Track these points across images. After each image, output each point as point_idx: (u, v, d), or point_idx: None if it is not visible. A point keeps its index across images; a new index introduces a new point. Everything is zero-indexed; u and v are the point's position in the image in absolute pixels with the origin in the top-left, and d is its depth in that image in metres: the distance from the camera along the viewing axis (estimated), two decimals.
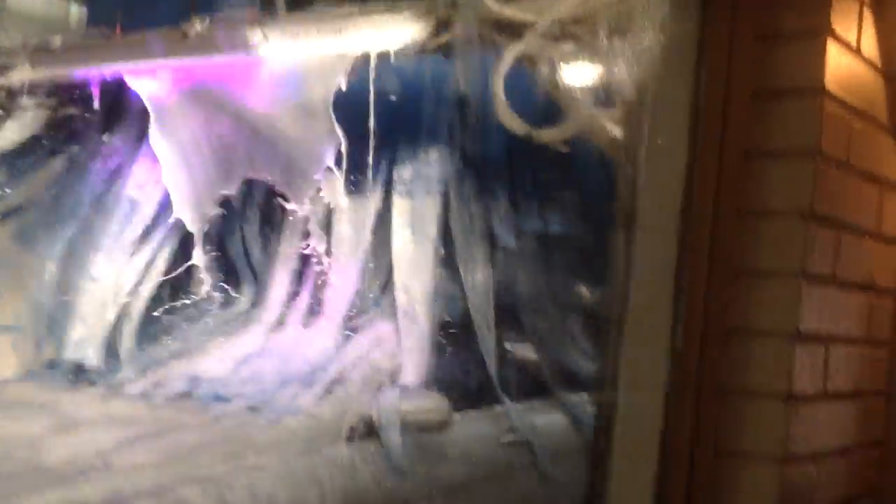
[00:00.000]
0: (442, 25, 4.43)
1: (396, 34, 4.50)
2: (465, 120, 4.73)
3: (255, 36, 4.53)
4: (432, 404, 4.05)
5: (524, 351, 4.80)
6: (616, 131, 4.23)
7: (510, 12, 4.26)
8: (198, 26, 4.68)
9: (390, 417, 3.81)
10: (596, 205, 4.98)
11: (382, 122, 4.58)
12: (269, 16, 4.75)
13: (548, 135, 4.22)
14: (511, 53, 4.19)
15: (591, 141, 4.29)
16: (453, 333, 4.61)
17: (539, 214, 5.02)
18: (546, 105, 4.52)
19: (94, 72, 5.14)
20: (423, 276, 4.62)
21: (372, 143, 4.54)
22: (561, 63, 4.25)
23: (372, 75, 4.56)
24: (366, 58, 4.56)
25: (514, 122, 4.22)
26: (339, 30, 4.59)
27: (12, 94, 5.88)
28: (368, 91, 4.58)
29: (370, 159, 4.66)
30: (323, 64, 4.66)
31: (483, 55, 4.59)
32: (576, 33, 4.19)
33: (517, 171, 4.96)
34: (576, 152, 4.32)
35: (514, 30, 4.26)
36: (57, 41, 5.16)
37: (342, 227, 4.82)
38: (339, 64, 4.62)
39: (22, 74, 5.56)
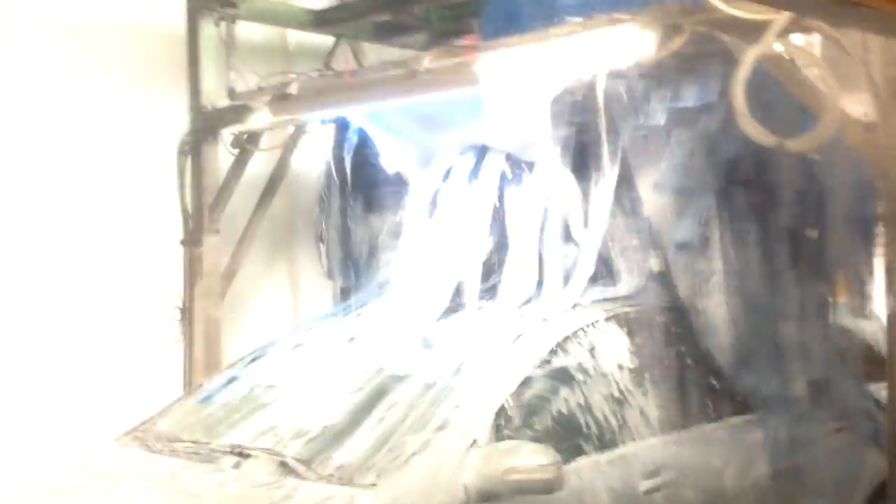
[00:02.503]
0: (671, 32, 4.24)
1: (623, 47, 4.34)
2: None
3: (481, 69, 4.47)
4: (542, 460, 3.48)
5: None
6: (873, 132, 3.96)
7: (743, 11, 4.01)
8: (426, 62, 4.68)
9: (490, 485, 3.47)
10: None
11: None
12: (488, 43, 4.71)
13: (798, 143, 3.98)
14: (750, 56, 3.95)
15: (845, 144, 4.03)
16: None
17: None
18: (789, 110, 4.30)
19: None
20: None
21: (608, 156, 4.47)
22: (806, 61, 3.99)
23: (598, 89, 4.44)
24: (593, 73, 4.43)
25: (759, 133, 3.98)
26: (561, 49, 4.48)
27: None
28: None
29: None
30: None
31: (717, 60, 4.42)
32: (819, 29, 3.92)
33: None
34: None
35: (747, 30, 4.03)
36: (293, 87, 5.29)
37: None
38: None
39: (261, 120, 5.78)
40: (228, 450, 3.92)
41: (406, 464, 3.51)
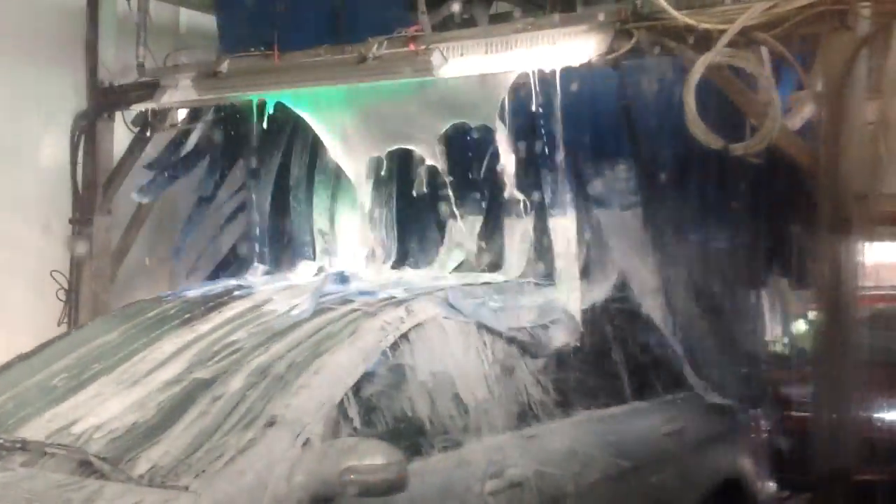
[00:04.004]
0: (622, 36, 4.45)
1: (573, 47, 4.52)
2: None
3: (436, 58, 4.55)
4: (382, 459, 3.14)
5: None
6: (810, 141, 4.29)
7: (696, 21, 4.26)
8: (375, 49, 4.71)
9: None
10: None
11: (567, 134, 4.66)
12: (438, 33, 4.80)
13: (742, 147, 4.25)
14: (701, 64, 4.19)
15: (783, 151, 4.34)
16: None
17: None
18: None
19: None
20: None
21: (560, 154, 4.63)
22: (750, 72, 4.27)
23: (551, 89, 4.59)
24: (542, 72, 4.58)
25: (707, 136, 4.23)
26: (512, 45, 4.63)
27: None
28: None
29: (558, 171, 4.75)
30: (493, 79, 4.72)
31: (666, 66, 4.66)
32: (764, 40, 4.21)
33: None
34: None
35: (698, 39, 4.29)
36: (224, 66, 5.20)
37: None
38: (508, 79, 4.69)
39: (177, 96, 5.65)
40: (18, 446, 3.37)
41: (228, 464, 3.09)
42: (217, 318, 4.07)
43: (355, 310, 3.93)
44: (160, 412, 3.45)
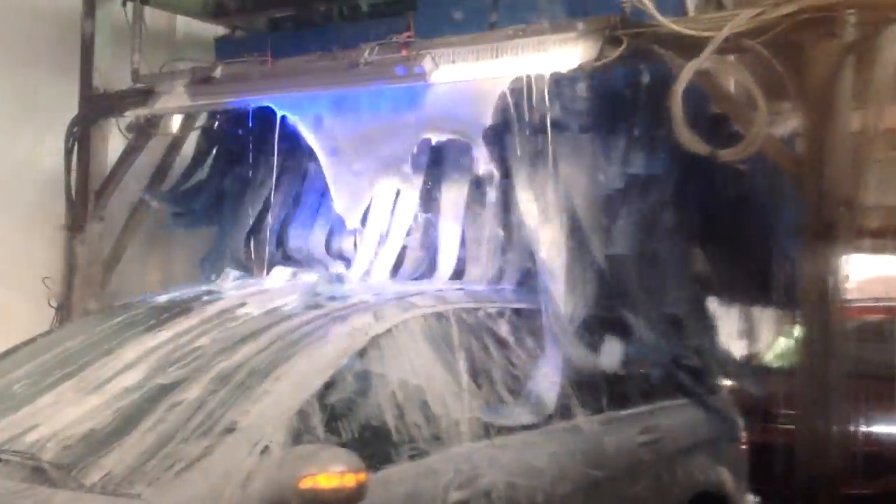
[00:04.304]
0: (611, 43, 4.51)
1: (562, 54, 4.58)
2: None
3: (428, 64, 4.60)
4: (342, 467, 3.07)
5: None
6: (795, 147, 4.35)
7: (683, 28, 4.32)
8: (367, 55, 4.76)
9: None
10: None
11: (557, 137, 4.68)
12: (429, 39, 4.85)
13: (729, 154, 4.30)
14: (689, 70, 4.25)
15: (769, 157, 4.39)
16: None
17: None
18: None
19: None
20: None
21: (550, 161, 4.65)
22: (737, 79, 4.33)
23: (540, 95, 4.63)
24: (533, 78, 4.61)
25: (694, 142, 4.28)
26: (503, 52, 4.68)
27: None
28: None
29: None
30: (484, 85, 4.76)
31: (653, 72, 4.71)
32: (751, 48, 4.26)
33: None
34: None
35: (686, 46, 4.34)
36: (218, 71, 5.25)
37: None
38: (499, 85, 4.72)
39: (171, 102, 5.70)
40: None
41: (183, 472, 3.04)
42: (183, 323, 4.01)
43: (323, 315, 3.88)
44: (118, 419, 3.40)
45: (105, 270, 6.46)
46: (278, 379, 3.41)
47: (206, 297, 4.35)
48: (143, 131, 6.13)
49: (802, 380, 4.37)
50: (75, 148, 6.36)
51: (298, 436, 3.27)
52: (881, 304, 7.49)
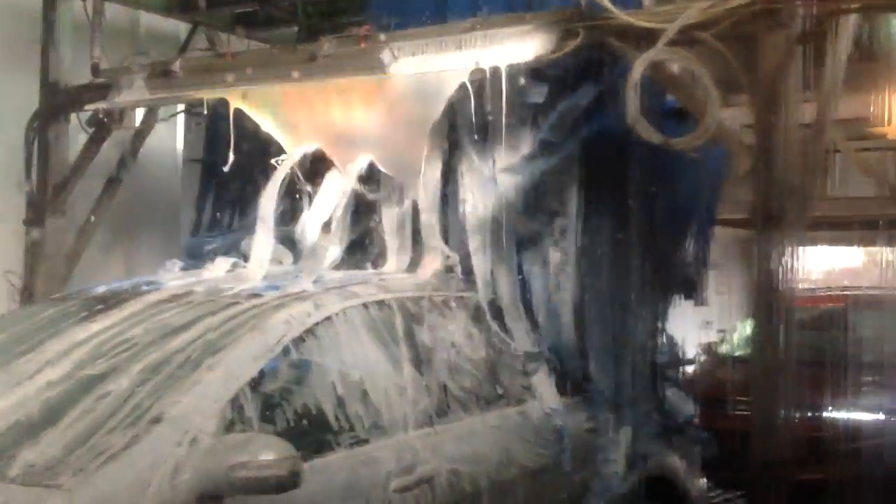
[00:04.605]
0: (567, 36, 4.56)
1: (520, 46, 4.63)
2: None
3: (386, 56, 4.64)
4: (273, 455, 3.02)
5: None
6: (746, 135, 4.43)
7: (638, 20, 4.39)
8: (326, 47, 4.79)
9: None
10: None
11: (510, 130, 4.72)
12: (389, 32, 4.89)
13: (682, 143, 4.37)
14: (642, 62, 4.32)
15: (723, 146, 4.47)
16: None
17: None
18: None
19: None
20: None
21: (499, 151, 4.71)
22: (690, 70, 4.40)
23: (496, 86, 4.67)
24: (491, 70, 4.66)
25: (648, 132, 4.35)
26: (462, 44, 4.72)
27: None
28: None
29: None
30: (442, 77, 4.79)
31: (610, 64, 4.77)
32: (703, 39, 4.34)
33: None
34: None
35: (640, 38, 4.41)
36: (176, 65, 5.26)
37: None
38: (457, 77, 4.75)
39: (130, 96, 5.69)
40: None
41: (108, 462, 2.97)
42: (116, 314, 3.94)
43: (261, 304, 3.82)
44: (45, 410, 3.34)
45: (67, 264, 6.44)
46: (210, 368, 3.36)
47: (143, 288, 4.29)
48: (104, 125, 6.11)
49: (753, 367, 4.46)
50: (35, 142, 6.33)
51: (231, 425, 3.23)
52: (833, 293, 7.61)
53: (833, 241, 7.37)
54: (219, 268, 4.68)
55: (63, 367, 3.58)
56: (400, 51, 4.69)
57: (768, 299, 4.35)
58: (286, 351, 3.57)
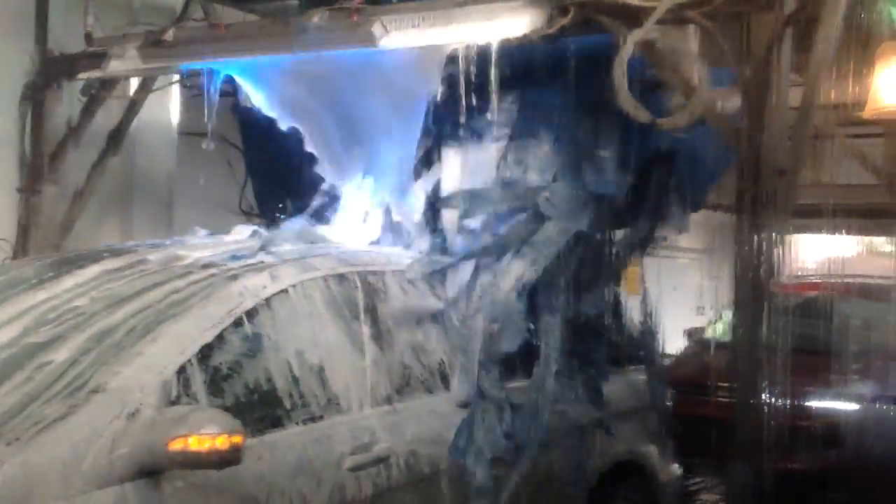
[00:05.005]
0: (557, 12, 4.56)
1: (511, 22, 4.63)
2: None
3: (377, 30, 4.64)
4: (215, 430, 2.93)
5: None
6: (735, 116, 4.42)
7: None
8: (316, 19, 4.79)
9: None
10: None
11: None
12: (380, 6, 4.89)
13: (669, 122, 4.38)
14: (632, 40, 4.31)
15: (710, 126, 4.46)
16: None
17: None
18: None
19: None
20: None
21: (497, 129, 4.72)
22: (679, 49, 4.39)
23: (488, 63, 4.67)
24: (481, 46, 4.66)
25: (636, 110, 4.35)
26: (453, 19, 4.72)
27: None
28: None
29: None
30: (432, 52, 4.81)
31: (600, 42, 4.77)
32: (693, 18, 4.33)
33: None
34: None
35: (630, 16, 4.41)
36: (169, 34, 5.26)
37: None
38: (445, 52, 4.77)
39: (123, 65, 5.70)
40: None
41: (43, 432, 2.86)
42: (69, 281, 3.82)
43: (216, 274, 3.70)
44: None
45: (60, 233, 6.46)
46: (155, 340, 3.26)
47: (103, 255, 4.17)
48: (98, 94, 6.13)
49: (736, 353, 4.45)
50: (29, 110, 6.34)
51: (177, 399, 3.14)
52: (819, 280, 7.59)
53: (828, 230, 7.33)
54: (237, 234, 4.71)
55: (8, 334, 3.47)
56: (391, 24, 4.69)
57: (748, 286, 4.33)
58: (238, 323, 3.46)
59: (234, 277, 3.65)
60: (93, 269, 3.91)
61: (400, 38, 4.73)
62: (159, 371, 3.15)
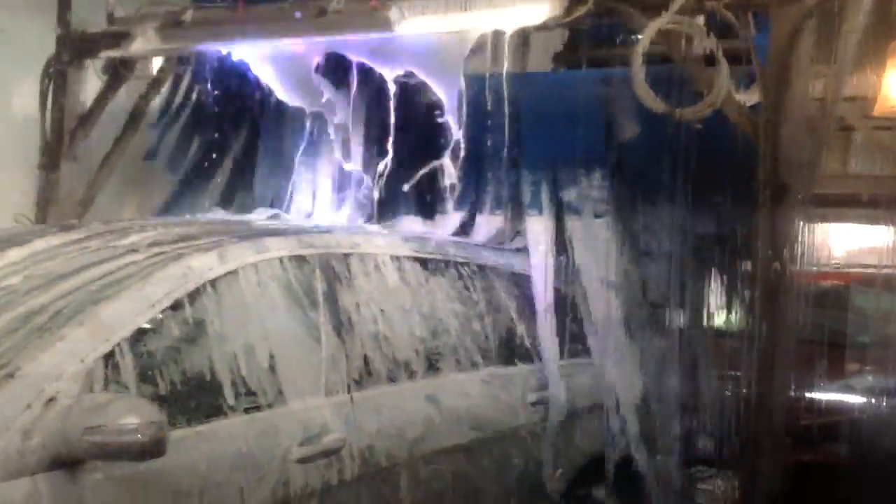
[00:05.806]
0: (577, 1, 4.52)
1: (531, 9, 4.59)
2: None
3: (394, 14, 4.62)
4: (135, 420, 2.73)
5: None
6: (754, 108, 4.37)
7: None
8: (334, 3, 4.78)
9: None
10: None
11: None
12: None
13: (687, 113, 4.33)
14: (650, 30, 4.27)
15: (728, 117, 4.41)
16: None
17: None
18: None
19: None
20: None
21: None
22: (699, 39, 4.35)
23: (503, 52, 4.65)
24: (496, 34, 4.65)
25: (653, 101, 4.31)
26: (471, 5, 4.69)
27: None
28: None
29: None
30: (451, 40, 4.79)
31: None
32: (714, 8, 4.28)
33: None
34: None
35: (651, 5, 4.37)
36: (188, 15, 5.26)
37: None
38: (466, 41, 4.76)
39: (144, 45, 5.71)
40: None
41: None
42: (8, 257, 3.58)
43: (160, 253, 3.44)
44: None
45: (79, 210, 6.49)
46: (83, 323, 3.02)
47: (50, 230, 3.97)
48: (118, 73, 6.14)
49: (753, 345, 4.42)
50: (51, 88, 6.36)
51: (104, 386, 2.94)
52: (840, 271, 7.49)
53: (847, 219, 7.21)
54: (258, 216, 4.73)
55: None
56: (408, 9, 4.67)
57: (772, 274, 4.30)
58: (177, 306, 3.24)
59: (179, 257, 3.40)
60: (34, 246, 3.67)
61: (417, 23, 4.70)
62: (83, 356, 2.93)
